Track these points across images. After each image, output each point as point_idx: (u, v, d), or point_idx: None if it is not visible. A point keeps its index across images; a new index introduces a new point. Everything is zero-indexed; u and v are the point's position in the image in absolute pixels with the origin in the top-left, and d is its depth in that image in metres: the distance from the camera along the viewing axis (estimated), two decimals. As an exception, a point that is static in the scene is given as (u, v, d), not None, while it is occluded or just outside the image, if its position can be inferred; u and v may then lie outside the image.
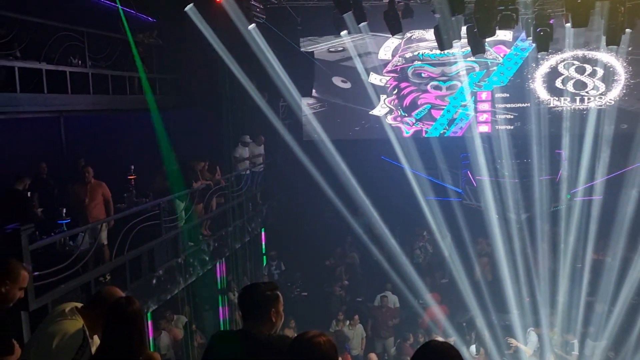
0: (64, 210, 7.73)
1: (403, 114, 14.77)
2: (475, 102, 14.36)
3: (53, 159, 10.05)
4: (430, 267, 13.69)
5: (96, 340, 3.19)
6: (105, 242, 7.77)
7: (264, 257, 14.38)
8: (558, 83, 13.94)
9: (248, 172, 12.51)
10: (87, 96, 9.89)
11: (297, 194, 14.71)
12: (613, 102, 13.53)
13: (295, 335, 2.65)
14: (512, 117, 14.15)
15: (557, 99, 13.92)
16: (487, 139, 14.06)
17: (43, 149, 10.35)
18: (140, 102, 11.13)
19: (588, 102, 13.69)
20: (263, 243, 14.51)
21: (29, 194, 8.14)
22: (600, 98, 13.60)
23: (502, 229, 12.85)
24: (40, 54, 8.67)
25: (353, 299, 13.34)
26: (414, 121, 14.74)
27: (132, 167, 10.14)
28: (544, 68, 14.01)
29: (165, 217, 8.98)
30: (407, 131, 14.79)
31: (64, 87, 9.20)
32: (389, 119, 14.80)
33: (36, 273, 6.04)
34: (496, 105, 14.21)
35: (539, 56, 13.66)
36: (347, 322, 11.32)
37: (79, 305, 3.16)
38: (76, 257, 6.84)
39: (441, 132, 14.65)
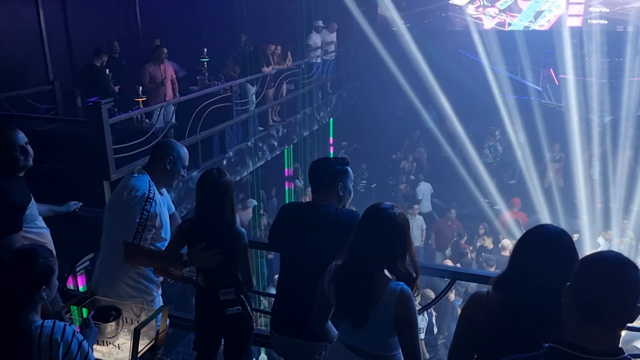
0: (140, 88, 7.93)
1: (486, 4, 13.81)
2: (570, -8, 13.18)
3: (127, 38, 10.18)
4: (499, 167, 13.38)
5: (164, 193, 3.36)
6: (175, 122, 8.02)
7: (331, 154, 14.46)
8: (666, -27, 12.49)
9: (319, 60, 12.30)
10: (161, -26, 9.78)
11: (368, 84, 14.41)
12: None
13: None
14: (608, 10, 12.91)
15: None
16: (576, 34, 13.01)
17: (118, 28, 10.49)
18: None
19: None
20: (331, 133, 14.55)
21: (107, 70, 8.36)
22: None
23: (582, 131, 12.24)
24: None
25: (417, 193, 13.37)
26: (497, 12, 13.78)
27: (205, 49, 10.15)
28: (652, -45, 12.52)
29: (237, 100, 9.08)
30: (489, 23, 13.89)
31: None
32: (470, 9, 13.90)
33: (115, 146, 6.34)
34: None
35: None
36: (407, 212, 11.35)
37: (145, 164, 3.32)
38: (151, 133, 7.09)
39: (526, 25, 13.66)
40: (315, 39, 12.16)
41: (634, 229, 10.33)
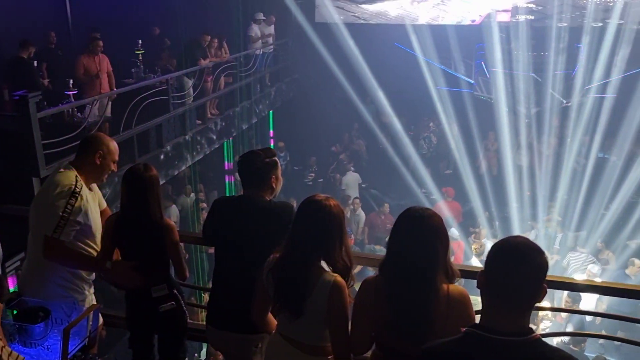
0: (71, 82, 7.70)
1: (420, -1, 14.15)
2: (497, -12, 13.65)
3: (57, 29, 9.83)
4: (435, 158, 13.77)
5: (95, 189, 3.32)
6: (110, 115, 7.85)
7: (272, 146, 14.43)
8: (586, -29, 13.09)
9: (258, 52, 12.27)
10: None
11: (306, 77, 14.45)
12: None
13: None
14: (534, 6, 13.46)
15: (584, -12, 13.11)
16: (505, 28, 13.51)
17: (47, 18, 10.12)
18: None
19: (617, -7, 12.89)
20: (271, 126, 14.55)
21: (35, 62, 8.06)
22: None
23: (511, 122, 12.77)
24: None
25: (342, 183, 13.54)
26: (430, 7, 14.12)
27: (140, 41, 9.93)
28: (574, -46, 13.11)
29: (173, 93, 8.96)
30: (424, 17, 14.22)
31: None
32: (406, 3, 14.18)
33: (45, 141, 6.15)
34: (519, -8, 13.49)
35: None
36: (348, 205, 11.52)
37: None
38: (84, 128, 6.91)
39: (458, 19, 14.07)
40: (256, 31, 12.13)
41: (559, 214, 10.89)
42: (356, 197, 11.68)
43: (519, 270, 1.82)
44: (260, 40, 12.24)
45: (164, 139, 8.69)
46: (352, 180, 12.49)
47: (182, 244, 3.32)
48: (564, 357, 1.85)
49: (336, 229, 2.49)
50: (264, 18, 12.40)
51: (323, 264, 2.52)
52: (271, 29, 12.83)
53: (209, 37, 10.19)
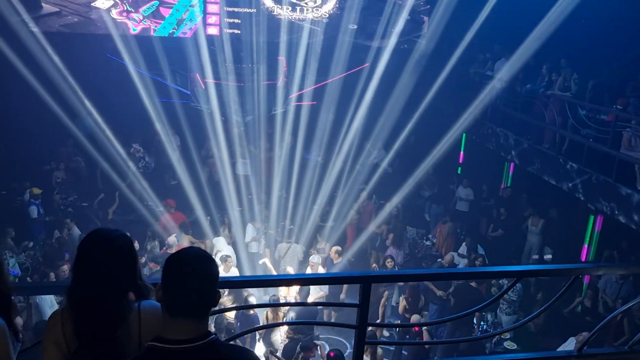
0: None
1: (129, 9, 13.87)
2: (205, 3, 14.09)
3: None
4: (159, 170, 13.70)
5: None
6: None
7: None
8: (282, -9, 14.32)
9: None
10: None
11: (5, 92, 12.93)
12: (327, 16, 14.46)
13: None
14: (239, 21, 14.28)
15: (280, 7, 14.21)
16: (215, 41, 14.05)
17: None
18: None
19: (306, 13, 14.36)
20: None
21: None
22: (317, 10, 14.45)
23: (227, 130, 13.40)
24: None
25: (80, 204, 12.83)
26: (141, 18, 13.97)
27: None
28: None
29: None
30: (135, 28, 14.00)
31: None
32: (114, 14, 13.75)
33: None
34: (225, 8, 14.10)
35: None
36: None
37: None
38: None
39: (170, 31, 14.18)
40: None
41: (275, 215, 11.93)
42: (67, 218, 11.10)
43: (190, 279, 1.92)
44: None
45: None
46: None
47: None
48: (238, 352, 2.05)
49: None
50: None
51: None
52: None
53: None
